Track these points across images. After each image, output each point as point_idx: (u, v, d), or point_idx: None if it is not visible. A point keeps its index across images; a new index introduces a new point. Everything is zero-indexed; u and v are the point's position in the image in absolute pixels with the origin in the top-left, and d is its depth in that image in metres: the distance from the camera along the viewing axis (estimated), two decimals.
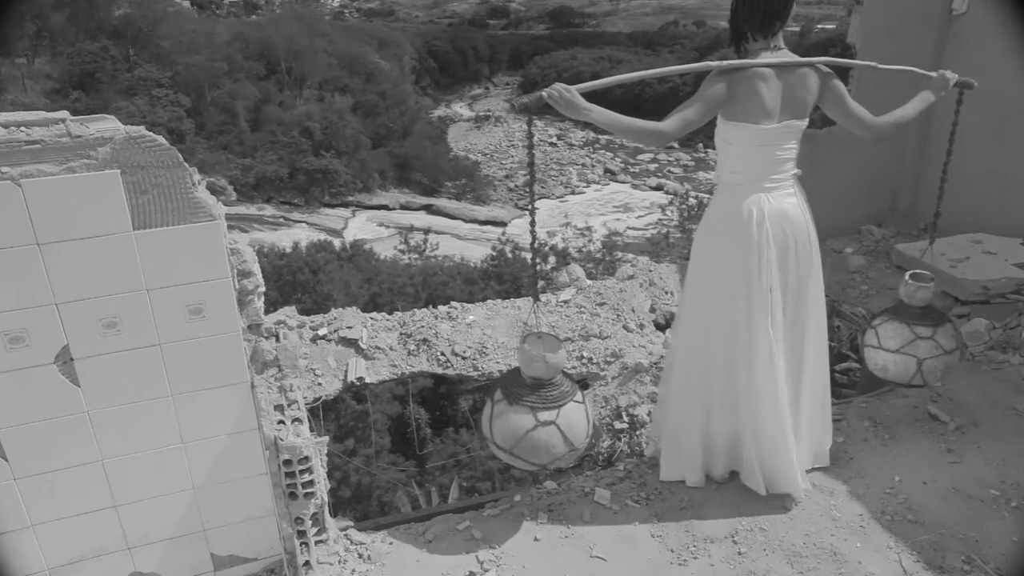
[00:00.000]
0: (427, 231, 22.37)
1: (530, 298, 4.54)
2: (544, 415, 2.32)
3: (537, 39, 72.95)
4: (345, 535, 2.60)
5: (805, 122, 2.46)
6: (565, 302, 4.35)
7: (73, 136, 1.81)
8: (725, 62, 2.34)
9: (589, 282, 4.70)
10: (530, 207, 2.41)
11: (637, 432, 3.68)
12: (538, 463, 2.38)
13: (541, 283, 13.86)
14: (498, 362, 3.87)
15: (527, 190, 2.73)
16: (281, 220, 35.81)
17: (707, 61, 2.42)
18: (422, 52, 59.48)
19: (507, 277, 13.82)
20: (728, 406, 2.66)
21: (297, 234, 27.73)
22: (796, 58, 2.39)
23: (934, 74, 2.64)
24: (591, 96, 2.22)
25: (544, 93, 2.13)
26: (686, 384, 2.70)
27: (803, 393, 2.68)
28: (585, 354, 3.97)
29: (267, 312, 3.27)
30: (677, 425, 2.75)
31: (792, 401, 2.65)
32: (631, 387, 3.85)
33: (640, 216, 34.14)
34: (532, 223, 2.40)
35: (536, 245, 2.50)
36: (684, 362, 2.70)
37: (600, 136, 49.33)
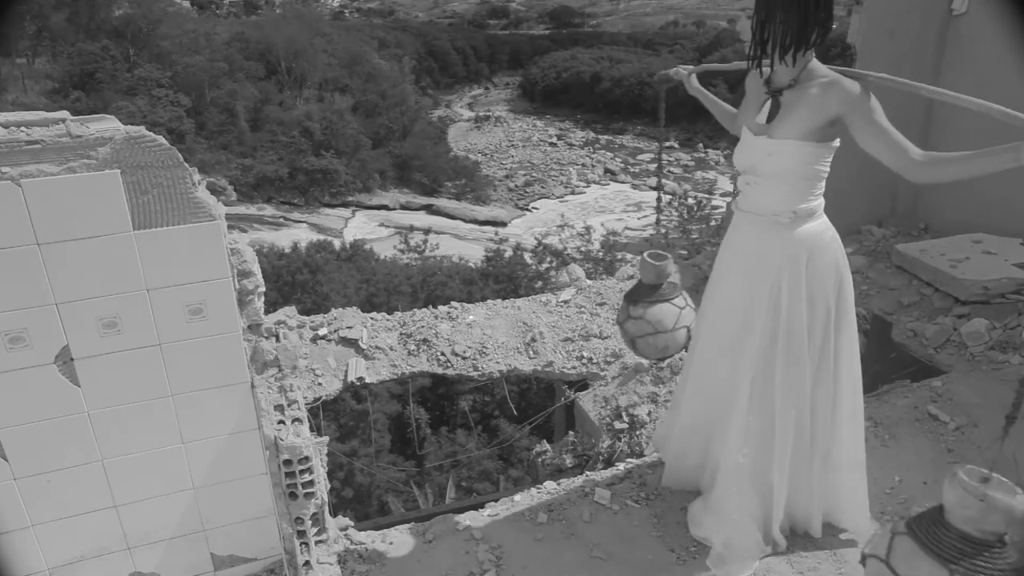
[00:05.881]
0: (427, 231, 22.33)
1: (534, 299, 4.54)
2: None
3: (537, 39, 72.94)
4: (345, 535, 2.60)
5: None
6: (565, 302, 4.35)
7: (73, 136, 1.81)
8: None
9: (589, 282, 4.70)
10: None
11: (637, 432, 3.68)
12: None
13: (539, 283, 13.82)
14: (498, 362, 3.87)
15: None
16: (281, 220, 35.79)
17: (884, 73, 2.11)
18: (422, 52, 59.46)
19: (502, 278, 13.81)
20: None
21: (297, 234, 27.72)
22: None
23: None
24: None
25: None
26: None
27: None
28: (585, 354, 3.97)
29: (267, 312, 3.27)
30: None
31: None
32: (631, 387, 3.84)
33: (642, 217, 34.12)
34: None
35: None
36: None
37: (600, 136, 49.30)
